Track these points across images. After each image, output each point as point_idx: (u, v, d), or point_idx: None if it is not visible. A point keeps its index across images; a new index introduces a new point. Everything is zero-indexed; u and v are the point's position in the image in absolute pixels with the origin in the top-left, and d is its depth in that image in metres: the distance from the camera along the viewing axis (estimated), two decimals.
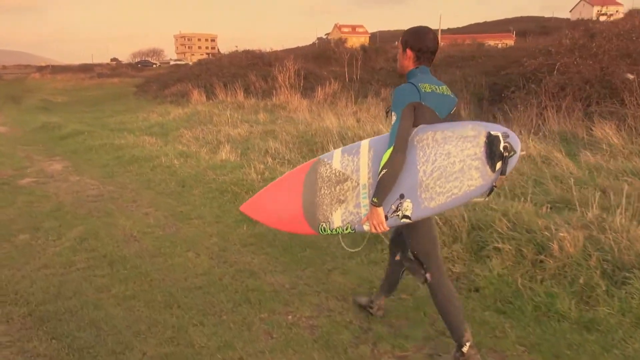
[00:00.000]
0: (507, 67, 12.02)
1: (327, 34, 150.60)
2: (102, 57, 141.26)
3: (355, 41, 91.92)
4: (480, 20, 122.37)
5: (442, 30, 78.41)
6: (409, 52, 2.60)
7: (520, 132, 7.62)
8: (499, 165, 2.39)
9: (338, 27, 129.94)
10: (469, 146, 2.45)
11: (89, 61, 77.28)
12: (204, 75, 21.57)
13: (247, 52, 24.78)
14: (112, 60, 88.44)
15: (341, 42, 29.19)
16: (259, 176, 6.39)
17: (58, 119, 15.29)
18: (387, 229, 2.59)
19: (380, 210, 2.53)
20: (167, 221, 5.33)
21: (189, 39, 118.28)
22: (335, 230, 2.80)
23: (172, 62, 72.19)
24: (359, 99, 16.38)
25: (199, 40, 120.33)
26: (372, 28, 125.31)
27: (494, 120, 9.53)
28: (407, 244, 2.75)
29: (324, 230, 2.83)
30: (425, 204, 2.50)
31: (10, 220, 5.38)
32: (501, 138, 2.38)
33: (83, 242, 4.66)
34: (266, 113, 13.56)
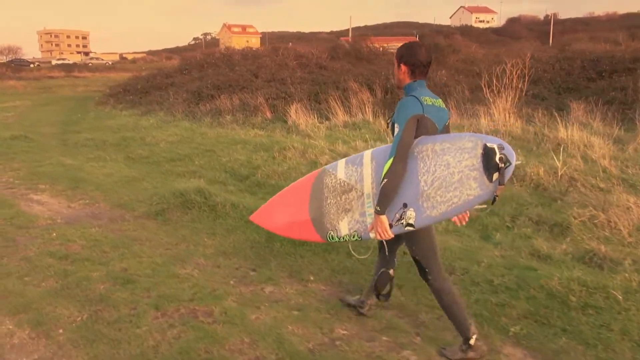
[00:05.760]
0: None
1: (206, 34, 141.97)
2: None
3: (247, 42, 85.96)
4: (361, 24, 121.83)
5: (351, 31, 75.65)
6: (403, 66, 2.74)
7: None
8: (495, 176, 2.50)
9: (227, 27, 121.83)
10: (466, 157, 2.58)
11: None
12: (260, 82, 14.36)
13: (279, 49, 17.71)
14: None
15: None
16: None
17: (137, 173, 7.67)
18: (392, 236, 2.71)
19: (384, 218, 2.67)
20: None
21: (56, 36, 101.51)
22: (343, 238, 2.96)
23: (54, 62, 60.06)
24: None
25: (68, 37, 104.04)
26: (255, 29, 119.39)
27: None
28: (409, 250, 2.87)
29: (332, 238, 3.00)
30: (428, 213, 2.64)
31: None
32: (497, 150, 2.49)
33: None
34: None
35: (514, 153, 2.52)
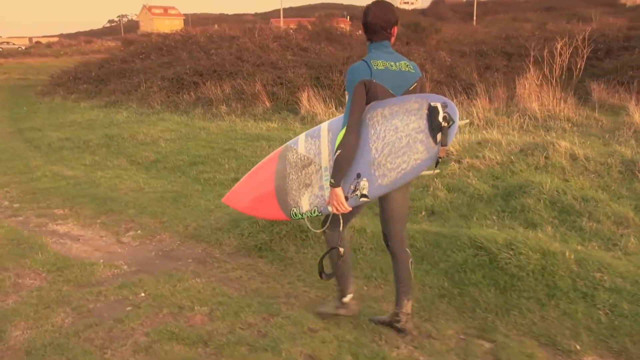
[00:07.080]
0: None
1: (122, 16, 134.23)
2: None
3: (169, 24, 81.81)
4: (286, 6, 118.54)
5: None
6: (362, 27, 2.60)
7: None
8: (439, 137, 2.37)
9: (147, 8, 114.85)
10: (413, 119, 2.45)
11: None
12: (249, 66, 12.66)
13: (254, 29, 15.87)
14: None
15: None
16: None
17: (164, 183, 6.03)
18: (349, 209, 2.56)
19: (339, 190, 2.51)
20: None
21: None
22: (305, 215, 2.81)
23: None
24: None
25: None
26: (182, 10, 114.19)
27: None
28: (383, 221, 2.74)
29: (296, 215, 2.85)
30: (379, 182, 2.51)
31: None
32: (440, 109, 2.37)
33: None
34: None
35: (457, 110, 2.41)
